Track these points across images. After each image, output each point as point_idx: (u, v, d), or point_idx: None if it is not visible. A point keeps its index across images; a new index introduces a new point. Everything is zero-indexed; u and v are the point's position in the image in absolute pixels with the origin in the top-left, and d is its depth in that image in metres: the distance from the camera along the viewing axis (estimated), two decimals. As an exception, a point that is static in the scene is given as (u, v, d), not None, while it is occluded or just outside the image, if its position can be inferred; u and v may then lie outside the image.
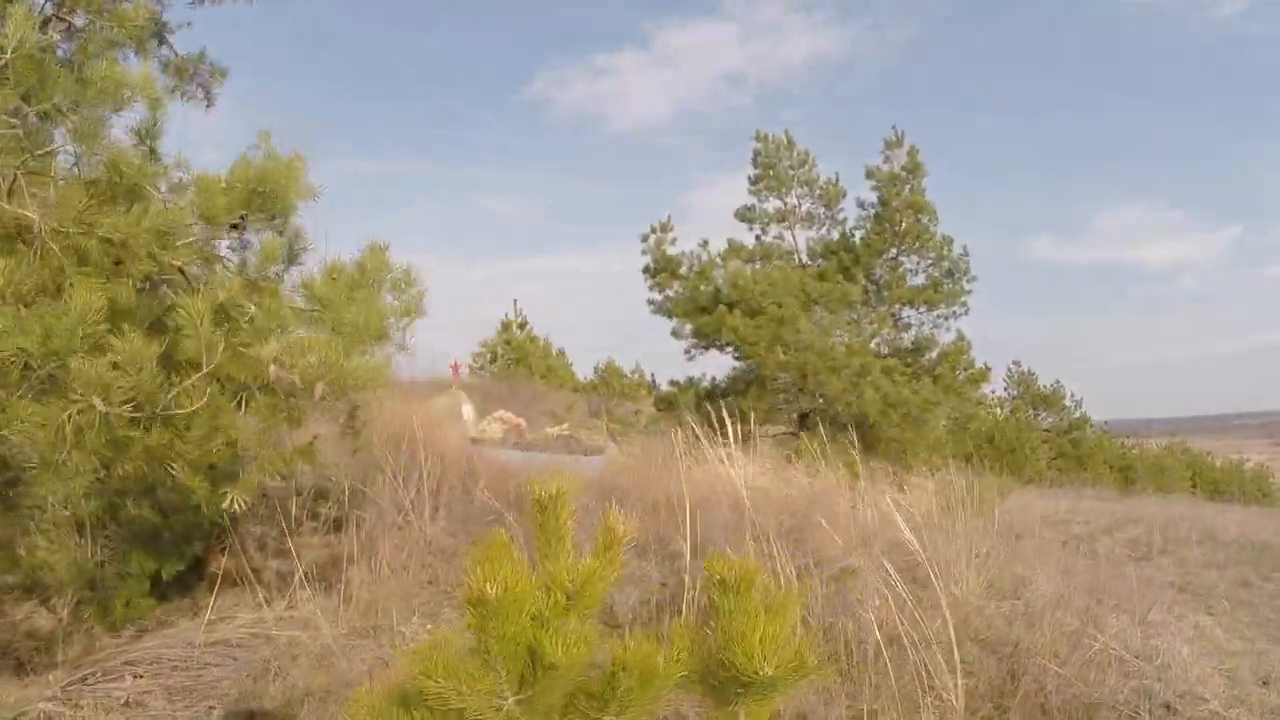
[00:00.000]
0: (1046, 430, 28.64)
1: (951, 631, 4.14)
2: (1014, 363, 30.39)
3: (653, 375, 26.40)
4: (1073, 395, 29.36)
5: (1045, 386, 29.54)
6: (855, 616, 4.56)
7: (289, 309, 4.64)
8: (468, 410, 14.32)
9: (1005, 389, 29.98)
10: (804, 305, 14.08)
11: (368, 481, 7.02)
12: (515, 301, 31.03)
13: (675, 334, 15.90)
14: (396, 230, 66.82)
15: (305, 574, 5.51)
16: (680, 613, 4.94)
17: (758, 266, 15.74)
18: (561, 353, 31.97)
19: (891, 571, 4.56)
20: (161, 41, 7.37)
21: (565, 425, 13.99)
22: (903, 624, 4.28)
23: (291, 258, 4.72)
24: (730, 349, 14.67)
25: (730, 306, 14.42)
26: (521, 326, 31.54)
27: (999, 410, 28.95)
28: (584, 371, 32.40)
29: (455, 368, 15.62)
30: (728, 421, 11.78)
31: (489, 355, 31.50)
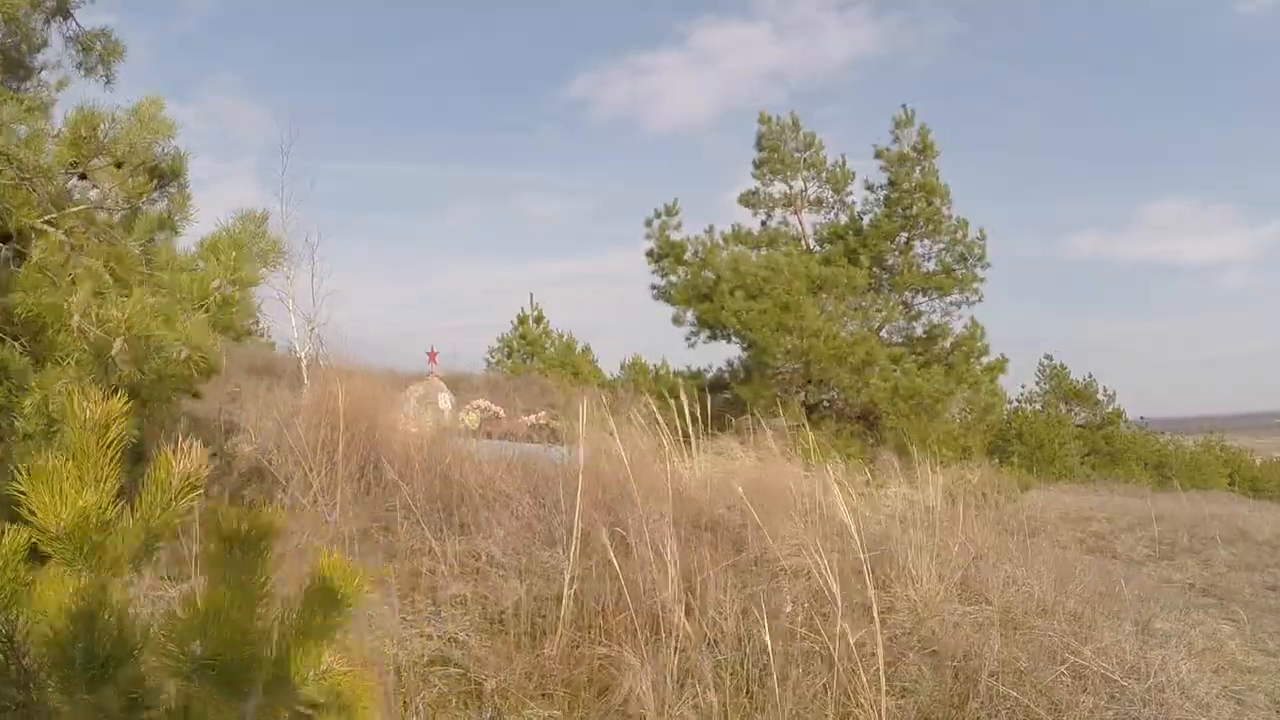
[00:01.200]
0: (1079, 426, 27.54)
1: (880, 641, 3.42)
2: (1045, 357, 29.34)
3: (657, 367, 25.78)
4: (1105, 390, 28.25)
5: (1078, 381, 28.43)
6: (776, 624, 3.85)
7: (128, 268, 4.13)
8: (445, 399, 13.74)
9: (1037, 383, 28.95)
10: (809, 290, 13.33)
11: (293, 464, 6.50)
12: (531, 295, 30.63)
13: (676, 320, 15.20)
14: (441, 231, 66.67)
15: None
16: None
17: (763, 252, 15.02)
18: (588, 349, 31.49)
19: (825, 570, 3.82)
20: (67, 15, 6.95)
21: (541, 414, 13.36)
22: (821, 633, 3.57)
23: (134, 202, 4.19)
24: (732, 336, 13.92)
25: (731, 291, 13.71)
26: (538, 320, 31.06)
27: (1029, 405, 27.93)
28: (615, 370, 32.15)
29: (432, 356, 15.04)
30: (684, 415, 11.05)
31: (506, 349, 31.08)
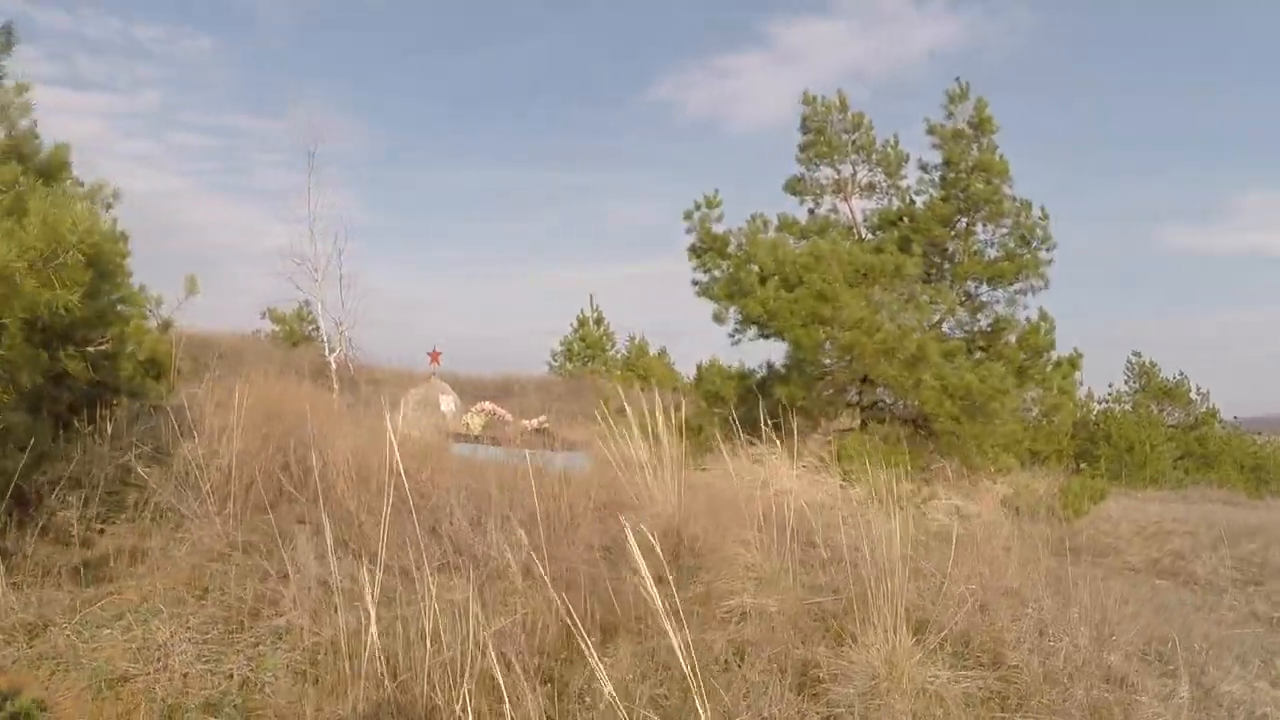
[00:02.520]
0: (1171, 427, 25.69)
1: None
2: (1133, 353, 27.54)
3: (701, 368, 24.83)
4: (1198, 389, 26.30)
5: (1168, 379, 26.55)
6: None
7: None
8: (447, 402, 12.97)
9: (1125, 382, 27.22)
10: (855, 280, 12.17)
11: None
12: (591, 297, 29.95)
13: (717, 318, 14.11)
14: (529, 236, 66.52)
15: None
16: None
17: (824, 242, 13.88)
18: (663, 352, 30.76)
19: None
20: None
21: (543, 418, 12.49)
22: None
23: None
24: (764, 328, 12.80)
25: (762, 281, 12.63)
26: (598, 322, 30.33)
27: (1118, 406, 26.23)
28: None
29: (434, 356, 14.25)
30: (712, 421, 10.13)
31: (565, 352, 30.47)
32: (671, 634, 2.72)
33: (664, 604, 2.71)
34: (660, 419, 10.59)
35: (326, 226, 17.05)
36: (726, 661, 4.06)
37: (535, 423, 12.29)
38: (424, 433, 11.94)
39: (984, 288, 13.56)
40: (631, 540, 2.82)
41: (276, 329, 30.07)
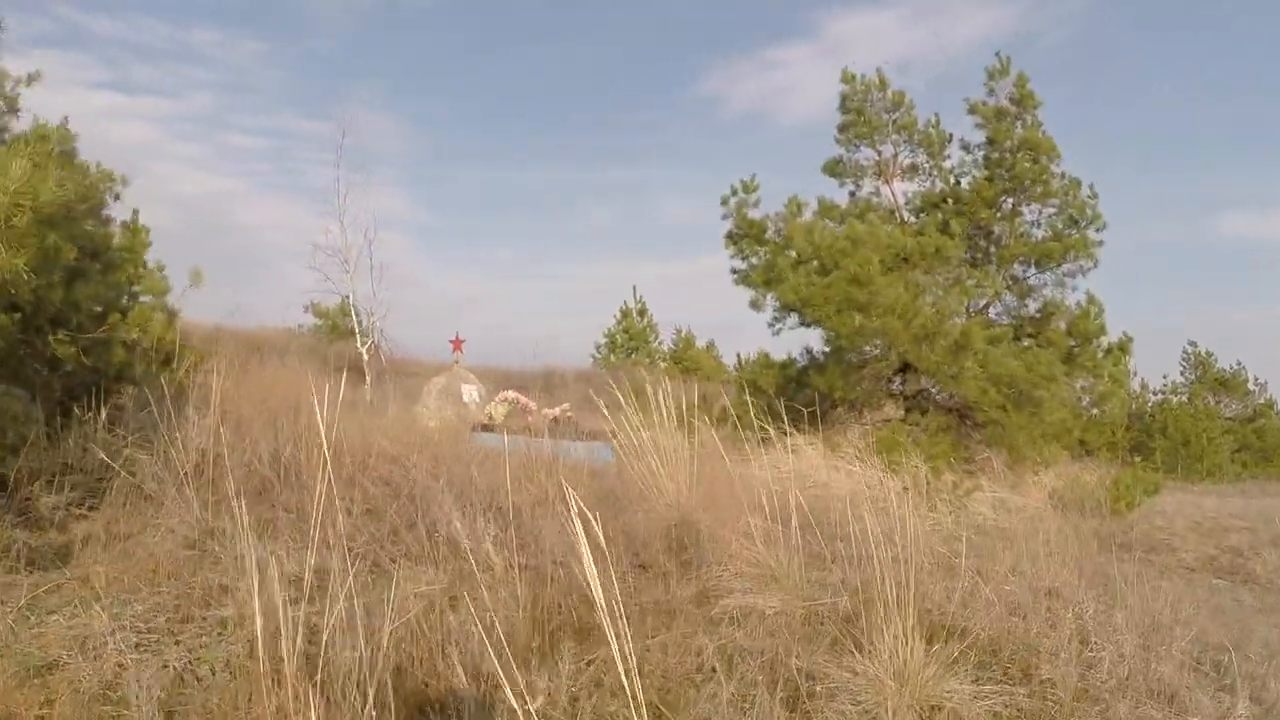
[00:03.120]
0: (1228, 419, 24.82)
1: None
2: (1189, 343, 26.67)
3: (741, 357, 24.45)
4: (1256, 379, 25.39)
5: (1225, 370, 25.67)
6: None
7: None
8: (471, 391, 12.68)
9: (1181, 372, 26.38)
10: (895, 264, 11.72)
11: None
12: (634, 288, 29.62)
13: (754, 305, 13.69)
14: (577, 232, 66.51)
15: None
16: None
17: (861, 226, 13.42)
18: (711, 345, 30.40)
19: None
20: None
21: (565, 406, 12.15)
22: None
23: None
24: (800, 315, 12.35)
25: (794, 266, 12.20)
26: (641, 313, 30.03)
27: (1174, 396, 25.44)
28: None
29: (457, 344, 13.96)
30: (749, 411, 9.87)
31: (609, 344, 30.22)
32: (612, 641, 2.37)
33: (610, 604, 2.36)
34: (667, 408, 10.28)
35: (357, 218, 16.81)
36: (713, 669, 3.70)
37: (557, 411, 11.96)
38: (445, 423, 11.70)
39: (1031, 271, 13.02)
40: (571, 499, 2.47)
41: (320, 323, 30.15)
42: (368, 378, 16.55)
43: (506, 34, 66.08)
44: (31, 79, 8.65)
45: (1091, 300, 12.06)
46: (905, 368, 12.38)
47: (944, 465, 10.68)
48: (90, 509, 5.34)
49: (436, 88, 65.36)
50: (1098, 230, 12.11)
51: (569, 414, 11.91)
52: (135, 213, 17.45)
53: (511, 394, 12.16)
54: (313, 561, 3.50)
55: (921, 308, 10.83)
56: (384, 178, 64.95)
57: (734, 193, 14.02)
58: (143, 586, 4.14)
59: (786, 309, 12.34)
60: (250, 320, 23.31)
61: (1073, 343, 12.23)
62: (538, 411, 11.86)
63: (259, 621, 2.88)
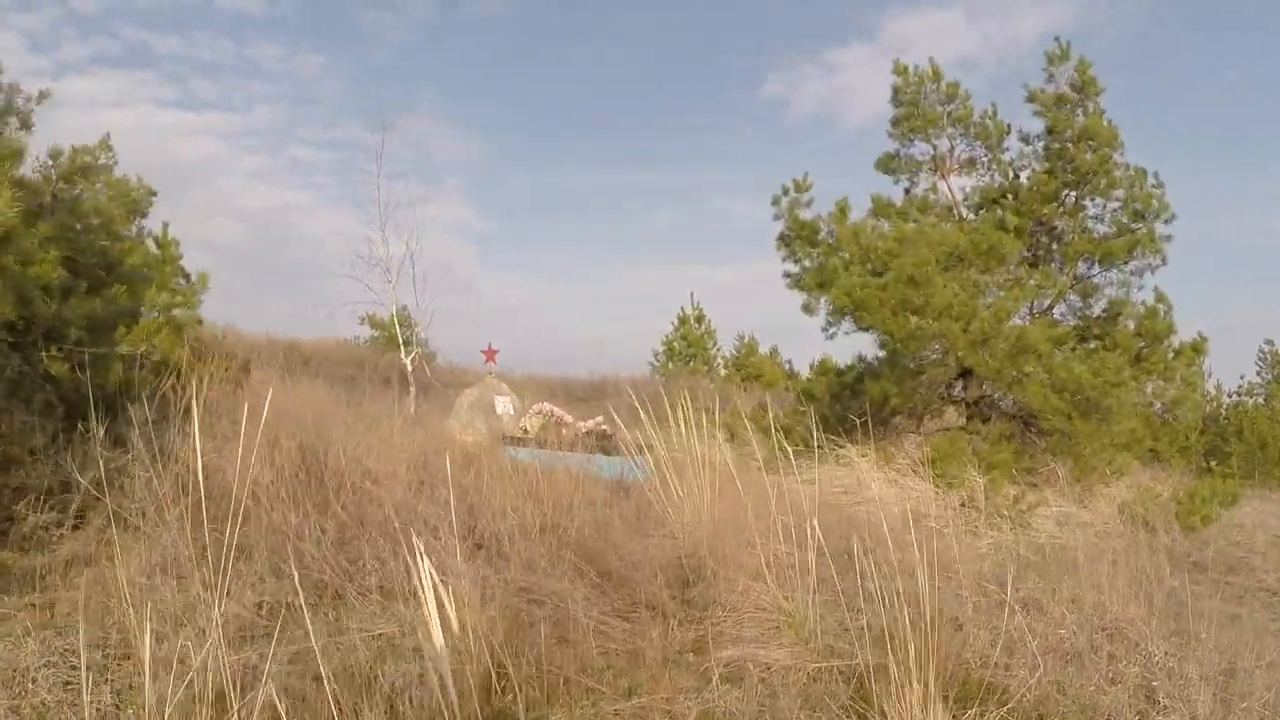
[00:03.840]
0: (1312, 422, 23.51)
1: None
2: (1266, 341, 25.40)
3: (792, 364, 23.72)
4: (1337, 378, 24.10)
5: (1306, 369, 24.41)
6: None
7: None
8: (504, 403, 12.32)
9: (1258, 373, 25.12)
10: (948, 263, 11.13)
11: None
12: (691, 294, 29.17)
13: (807, 309, 13.16)
14: (642, 235, 66.58)
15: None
16: None
17: (909, 225, 12.82)
18: (775, 351, 29.89)
19: None
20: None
21: (599, 419, 11.71)
22: None
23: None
24: (854, 319, 11.79)
25: (846, 266, 11.67)
26: (699, 319, 29.57)
27: (1249, 399, 24.19)
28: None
29: (489, 354, 13.62)
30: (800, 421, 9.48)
31: (666, 351, 29.84)
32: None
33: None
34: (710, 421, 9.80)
35: (399, 226, 16.61)
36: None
37: (591, 424, 11.56)
38: (477, 437, 11.41)
39: (1096, 269, 12.31)
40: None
41: (376, 334, 30.25)
42: (411, 389, 16.36)
43: (562, 38, 66.18)
44: (43, 96, 8.57)
45: (1160, 298, 11.32)
46: (965, 373, 11.78)
47: (1004, 478, 10.07)
48: (74, 529, 5.14)
49: (494, 95, 65.70)
50: (1165, 222, 11.36)
51: (604, 427, 11.51)
52: (165, 226, 17.50)
53: (546, 406, 11.80)
54: (263, 600, 3.16)
55: (978, 309, 10.22)
56: (443, 186, 65.65)
57: (785, 193, 13.50)
58: (102, 617, 3.87)
59: (839, 313, 11.77)
60: (308, 331, 23.35)
61: (1142, 344, 11.51)
62: (572, 425, 11.49)
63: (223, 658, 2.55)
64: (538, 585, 4.87)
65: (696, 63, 64.68)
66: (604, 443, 10.87)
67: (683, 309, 28.81)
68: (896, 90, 13.53)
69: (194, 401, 5.48)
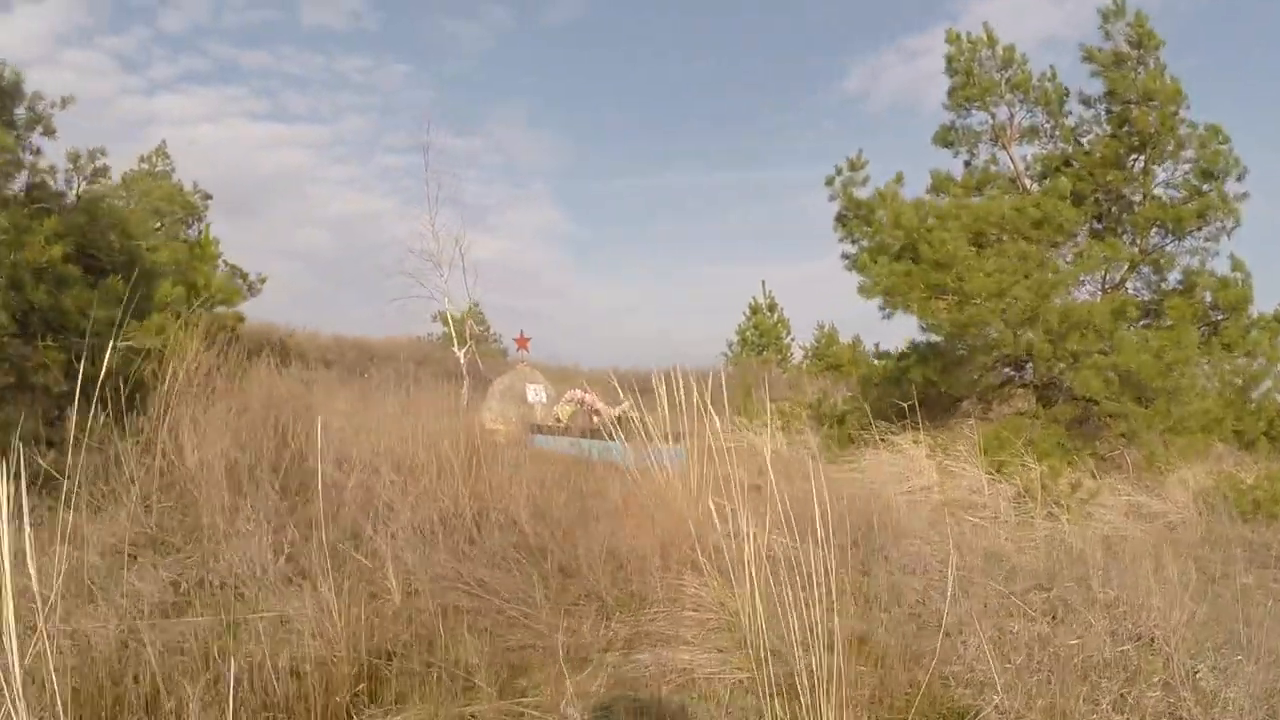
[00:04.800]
0: None
1: None
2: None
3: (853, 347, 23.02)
4: None
5: None
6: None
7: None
8: (535, 392, 11.96)
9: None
10: (994, 239, 10.43)
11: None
12: (764, 283, 28.51)
13: (863, 292, 12.54)
14: (723, 234, 66.47)
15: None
16: None
17: (975, 200, 12.09)
18: (857, 340, 29.20)
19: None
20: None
21: (626, 404, 11.24)
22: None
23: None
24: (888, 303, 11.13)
25: (880, 250, 11.05)
26: (771, 309, 28.94)
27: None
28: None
29: (522, 342, 13.26)
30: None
31: (740, 341, 29.32)
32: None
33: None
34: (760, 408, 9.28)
35: (449, 220, 16.40)
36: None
37: (617, 411, 11.13)
38: (508, 425, 11.10)
39: (1170, 238, 11.40)
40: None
41: (446, 330, 30.37)
42: (465, 383, 16.20)
43: (643, 43, 66.09)
44: (65, 102, 8.78)
45: (1236, 265, 10.38)
46: (1016, 358, 11.02)
47: (1062, 464, 9.32)
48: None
49: (578, 100, 66.01)
50: (1238, 179, 10.41)
51: (633, 412, 11.08)
52: (206, 227, 17.70)
53: (578, 393, 11.41)
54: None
55: (1016, 288, 9.49)
56: (535, 191, 66.41)
57: (839, 172, 12.86)
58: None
59: (871, 297, 11.15)
60: (388, 331, 23.48)
61: (1220, 316, 10.62)
62: (605, 412, 11.07)
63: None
64: (479, 575, 4.52)
65: (778, 60, 63.85)
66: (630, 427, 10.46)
67: (754, 299, 28.25)
68: (950, 59, 12.79)
69: (161, 388, 5.43)
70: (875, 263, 10.53)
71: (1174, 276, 11.40)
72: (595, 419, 10.91)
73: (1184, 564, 7.17)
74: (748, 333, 28.33)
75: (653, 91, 65.68)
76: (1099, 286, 11.81)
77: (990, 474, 9.28)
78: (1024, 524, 8.33)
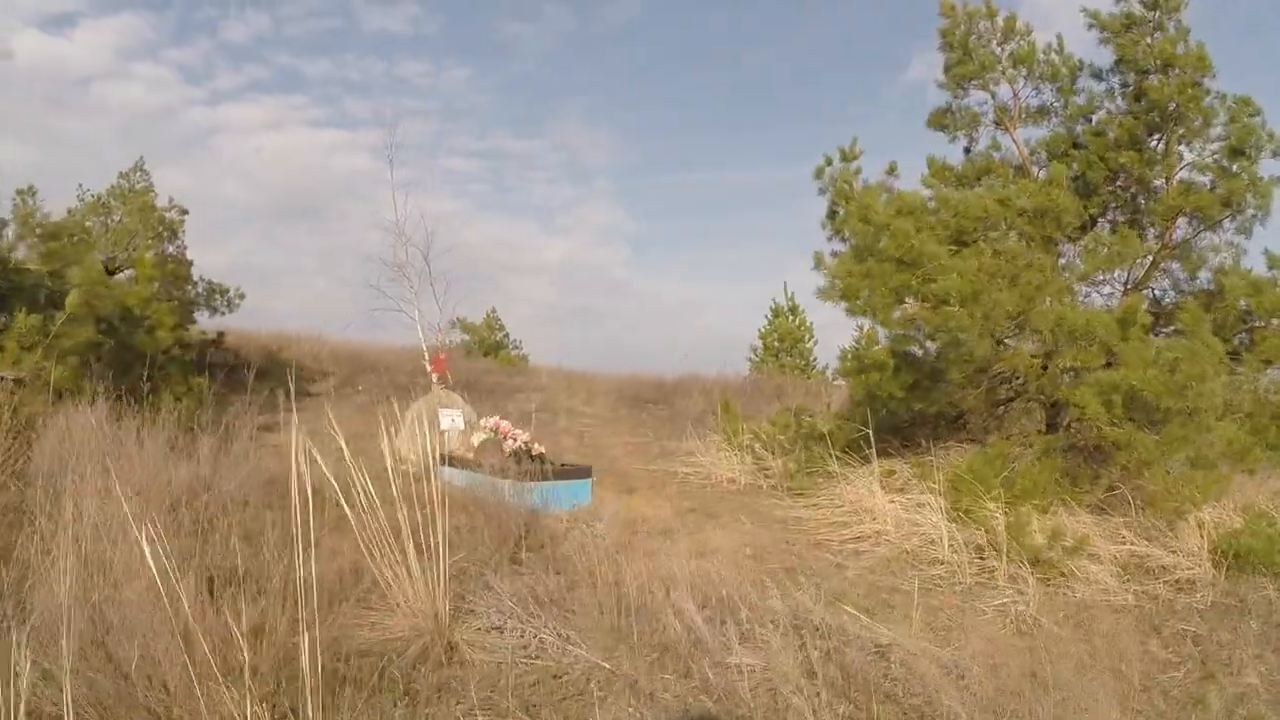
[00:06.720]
0: None
1: None
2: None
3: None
4: None
5: None
6: None
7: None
8: (451, 418, 10.63)
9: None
10: (979, 235, 8.83)
11: None
12: (785, 284, 26.62)
13: (820, 294, 10.91)
14: (782, 231, 65.39)
15: None
16: None
17: (976, 189, 10.45)
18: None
19: None
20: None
21: (526, 437, 9.84)
22: None
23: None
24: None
25: (864, 250, 9.47)
26: (793, 311, 27.10)
27: None
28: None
29: (439, 362, 11.88)
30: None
31: (763, 345, 27.61)
32: None
33: None
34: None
35: (415, 229, 15.12)
36: None
37: (518, 444, 9.79)
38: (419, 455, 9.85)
39: (1200, 230, 9.64)
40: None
41: (467, 338, 29.36)
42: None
43: (702, 40, 65.11)
44: None
45: (1273, 260, 8.62)
46: (1006, 376, 9.36)
47: (1047, 505, 7.70)
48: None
49: (640, 98, 65.37)
50: (1275, 155, 8.63)
51: (533, 447, 9.72)
52: (179, 245, 16.96)
53: (493, 422, 10.07)
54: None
55: (995, 290, 7.87)
56: (598, 190, 65.86)
57: (829, 163, 11.28)
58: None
59: (827, 300, 9.57)
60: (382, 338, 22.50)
61: (1257, 322, 8.87)
62: (508, 446, 9.72)
63: None
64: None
65: (836, 54, 62.15)
66: (528, 464, 9.12)
67: (774, 301, 26.48)
68: (944, 33, 11.11)
69: None
70: (822, 262, 8.99)
71: (1205, 275, 9.66)
72: (505, 448, 9.57)
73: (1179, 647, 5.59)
74: (769, 337, 26.62)
75: (715, 87, 64.54)
76: (1119, 289, 10.11)
77: (953, 519, 7.68)
78: (982, 587, 6.76)
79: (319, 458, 4.69)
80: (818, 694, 4.14)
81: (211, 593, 3.98)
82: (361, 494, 4.57)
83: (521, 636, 4.67)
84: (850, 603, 5.80)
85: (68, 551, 4.13)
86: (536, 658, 4.49)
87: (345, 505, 4.44)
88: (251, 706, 3.37)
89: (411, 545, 4.61)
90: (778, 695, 4.20)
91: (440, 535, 4.63)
